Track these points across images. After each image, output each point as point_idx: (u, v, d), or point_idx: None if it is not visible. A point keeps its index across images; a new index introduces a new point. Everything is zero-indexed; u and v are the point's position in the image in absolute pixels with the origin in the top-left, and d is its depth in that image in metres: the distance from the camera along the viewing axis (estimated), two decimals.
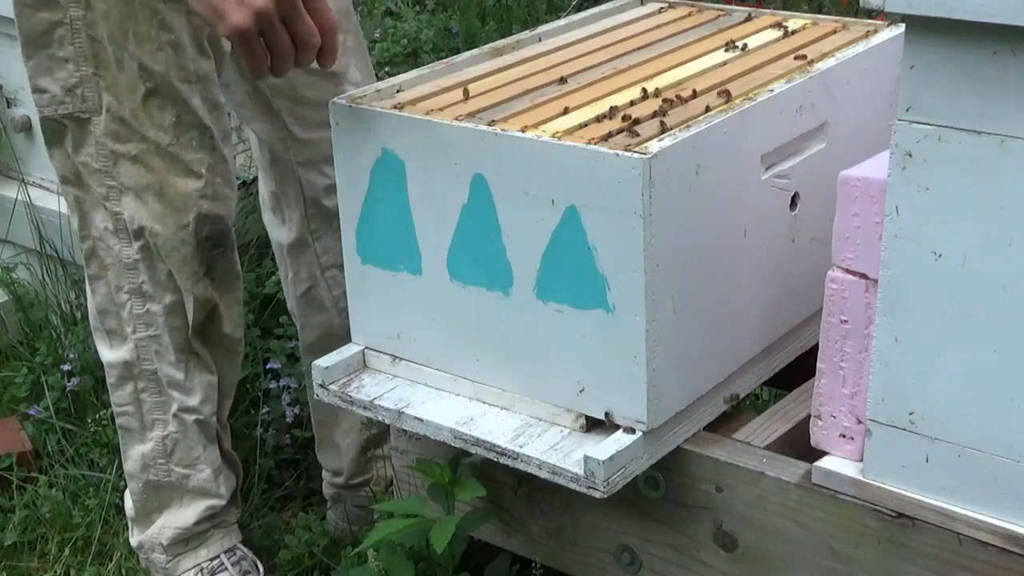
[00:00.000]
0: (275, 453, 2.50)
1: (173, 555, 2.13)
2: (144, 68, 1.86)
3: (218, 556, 2.14)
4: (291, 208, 2.18)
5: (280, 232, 2.20)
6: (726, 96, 1.67)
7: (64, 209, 2.89)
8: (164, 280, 1.98)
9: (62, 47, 1.87)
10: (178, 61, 1.88)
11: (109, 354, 2.07)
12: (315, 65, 1.67)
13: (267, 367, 2.55)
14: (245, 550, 2.17)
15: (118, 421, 2.11)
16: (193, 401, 2.06)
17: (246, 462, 2.42)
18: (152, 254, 1.97)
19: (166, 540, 2.12)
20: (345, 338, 2.26)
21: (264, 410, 2.51)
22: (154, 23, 1.85)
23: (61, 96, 1.90)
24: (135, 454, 2.11)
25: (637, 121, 1.61)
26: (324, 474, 2.37)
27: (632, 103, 1.69)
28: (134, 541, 2.18)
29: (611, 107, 1.66)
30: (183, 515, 2.12)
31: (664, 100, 1.68)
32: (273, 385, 2.53)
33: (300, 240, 2.21)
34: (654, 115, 1.63)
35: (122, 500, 2.24)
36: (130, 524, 2.19)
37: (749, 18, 2.04)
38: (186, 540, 2.13)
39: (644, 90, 1.72)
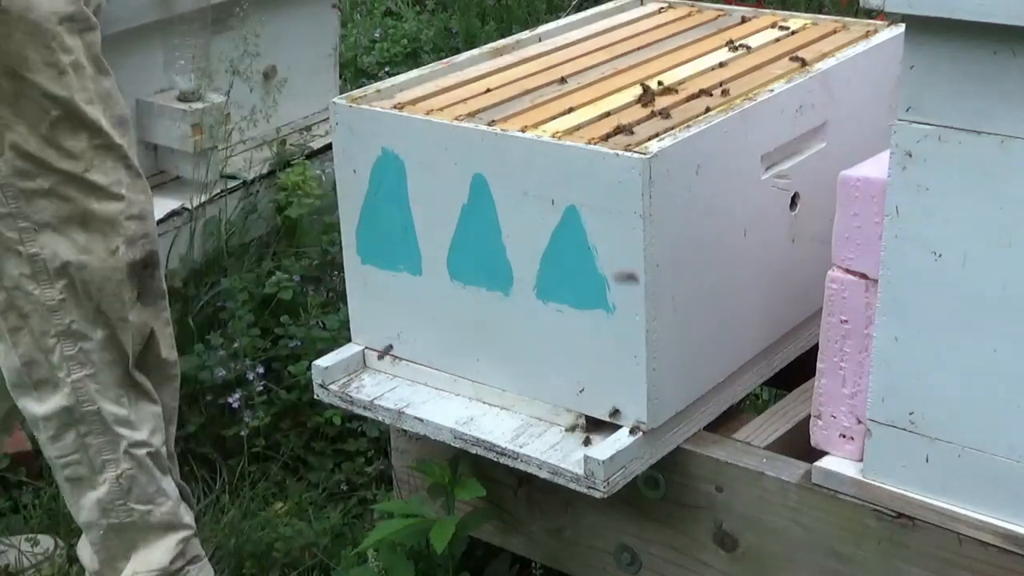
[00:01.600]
0: (271, 449, 2.50)
1: None
2: (48, 96, 1.79)
3: None
4: None
5: None
6: (725, 95, 1.67)
7: None
8: (93, 316, 1.90)
9: None
10: (80, 83, 1.82)
11: (40, 407, 1.96)
12: None
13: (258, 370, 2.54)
14: None
15: (64, 473, 1.99)
16: (142, 435, 1.97)
17: (235, 459, 2.42)
18: (77, 291, 1.89)
19: None
20: None
21: (253, 412, 2.50)
22: (53, 46, 1.78)
23: None
24: (88, 503, 2.00)
25: (636, 122, 1.61)
26: None
27: (632, 103, 1.68)
28: None
29: (610, 108, 1.66)
30: (155, 556, 2.02)
31: (663, 100, 1.68)
32: (260, 387, 2.52)
33: None
34: (654, 115, 1.63)
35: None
36: None
37: (749, 18, 2.04)
38: None
39: (644, 90, 1.72)
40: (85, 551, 2.07)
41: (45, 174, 1.83)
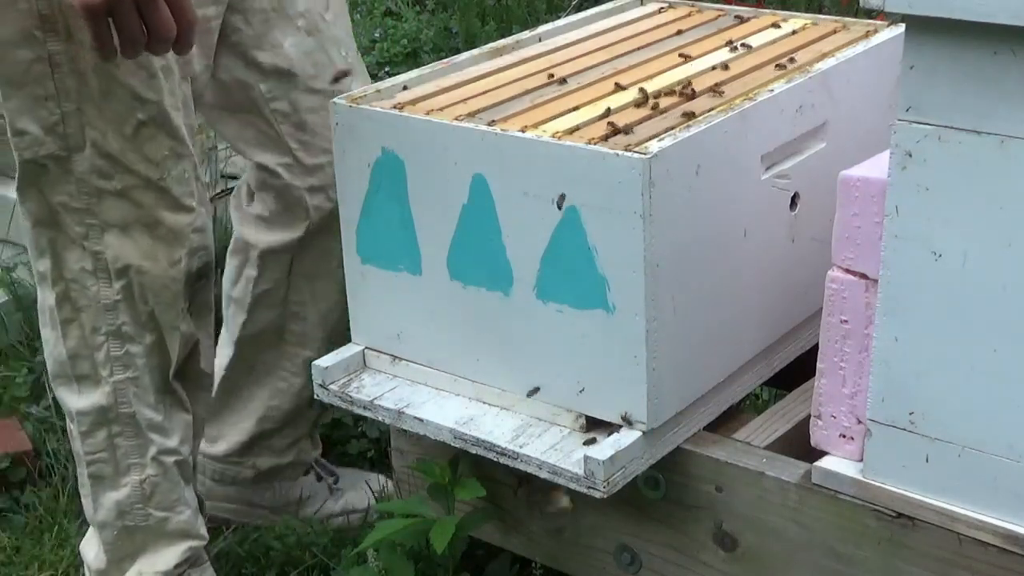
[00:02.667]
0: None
1: None
2: (137, 97, 1.79)
3: None
4: (292, 224, 2.12)
5: (262, 235, 2.14)
6: (723, 95, 1.67)
7: None
8: (145, 320, 1.91)
9: (42, 85, 1.78)
10: (169, 87, 1.82)
11: (78, 401, 1.96)
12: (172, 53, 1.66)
13: None
14: None
15: (89, 470, 2.00)
16: (172, 442, 1.98)
17: None
18: (134, 295, 1.89)
19: None
20: (276, 345, 2.21)
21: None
22: None
23: (42, 137, 1.81)
24: (107, 502, 2.00)
25: (636, 122, 1.61)
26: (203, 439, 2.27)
27: (632, 103, 1.68)
28: None
29: (610, 107, 1.66)
30: (161, 559, 2.03)
31: (663, 101, 1.68)
32: None
33: (284, 249, 2.16)
34: (653, 115, 1.63)
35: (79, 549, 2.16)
36: (93, 574, 2.08)
37: (749, 18, 2.04)
38: None
39: (643, 90, 1.72)
40: (91, 548, 2.08)
41: (122, 176, 1.83)
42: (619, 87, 1.74)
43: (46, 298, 1.94)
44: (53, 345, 1.96)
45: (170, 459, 1.99)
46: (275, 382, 2.23)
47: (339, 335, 2.12)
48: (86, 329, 1.92)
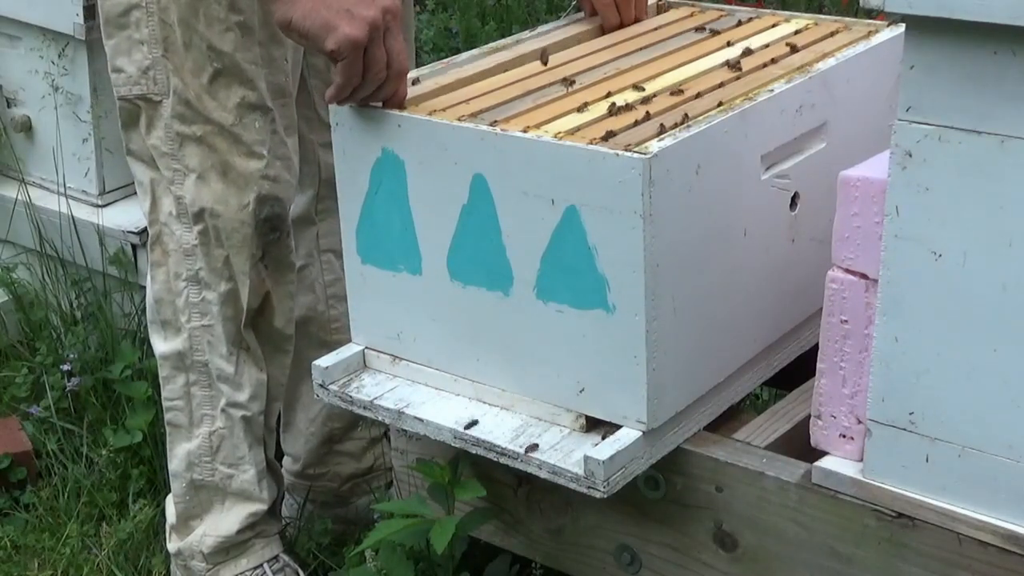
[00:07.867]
0: None
1: (213, 563, 2.09)
2: (212, 48, 1.91)
3: (260, 565, 2.11)
4: (303, 186, 2.19)
5: None
6: (723, 95, 1.67)
7: (64, 208, 2.89)
8: (220, 267, 1.99)
9: (138, 29, 1.93)
10: (245, 43, 1.92)
11: (163, 346, 2.06)
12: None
13: None
14: (287, 559, 2.14)
15: (167, 417, 2.09)
16: (242, 397, 2.04)
17: None
18: (210, 239, 1.98)
19: (207, 548, 2.08)
20: (326, 327, 2.25)
21: None
22: (224, 4, 1.90)
23: (136, 77, 1.95)
24: (181, 452, 2.08)
25: (636, 122, 1.61)
26: (284, 459, 2.35)
27: (632, 104, 1.68)
28: (172, 547, 2.14)
29: (612, 106, 1.66)
30: (225, 522, 2.08)
31: (663, 101, 1.68)
32: None
33: (305, 217, 2.23)
34: (653, 116, 1.63)
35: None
36: (168, 530, 2.15)
37: (750, 19, 2.04)
38: (227, 549, 2.08)
39: (644, 91, 1.72)
40: (170, 503, 2.15)
41: (200, 122, 1.95)
42: (621, 88, 1.74)
43: (150, 238, 2.06)
44: (148, 286, 2.07)
45: (238, 413, 2.05)
46: None
47: None
48: (170, 274, 2.02)
